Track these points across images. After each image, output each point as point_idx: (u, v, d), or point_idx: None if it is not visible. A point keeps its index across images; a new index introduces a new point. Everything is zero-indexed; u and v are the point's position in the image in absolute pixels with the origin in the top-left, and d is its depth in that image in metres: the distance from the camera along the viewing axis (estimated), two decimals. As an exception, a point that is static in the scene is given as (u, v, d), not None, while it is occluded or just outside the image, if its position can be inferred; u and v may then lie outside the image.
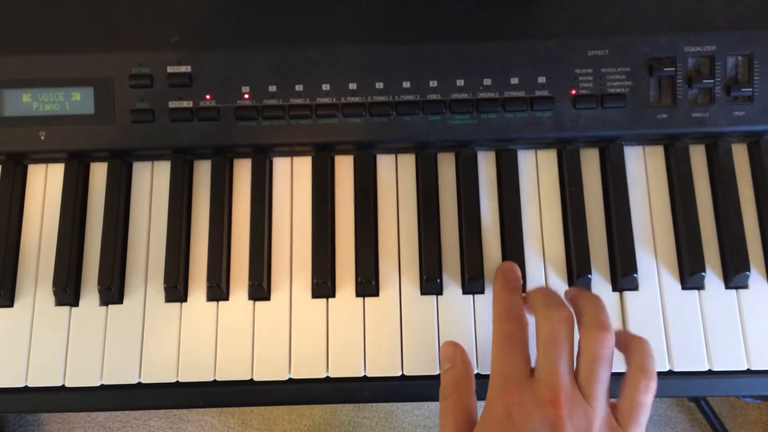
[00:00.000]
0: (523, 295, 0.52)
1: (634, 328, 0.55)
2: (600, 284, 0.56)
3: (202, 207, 0.58)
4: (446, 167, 0.59)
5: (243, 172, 0.59)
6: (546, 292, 0.51)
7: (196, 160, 0.59)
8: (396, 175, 0.59)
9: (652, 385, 0.46)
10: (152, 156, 0.59)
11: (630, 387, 0.46)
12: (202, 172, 0.59)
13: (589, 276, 0.55)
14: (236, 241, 0.57)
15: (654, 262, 0.56)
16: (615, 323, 0.55)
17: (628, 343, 0.48)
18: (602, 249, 0.57)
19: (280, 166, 0.59)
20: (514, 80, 0.56)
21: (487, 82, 0.56)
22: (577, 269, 0.55)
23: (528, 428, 0.43)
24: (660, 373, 0.54)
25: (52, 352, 0.55)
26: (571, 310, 0.49)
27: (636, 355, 0.48)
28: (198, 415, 1.11)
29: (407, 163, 0.59)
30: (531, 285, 0.56)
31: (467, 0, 0.58)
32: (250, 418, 1.11)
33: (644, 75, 0.56)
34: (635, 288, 0.56)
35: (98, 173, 0.59)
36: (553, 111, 0.56)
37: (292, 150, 0.59)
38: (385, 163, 0.59)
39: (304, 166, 0.59)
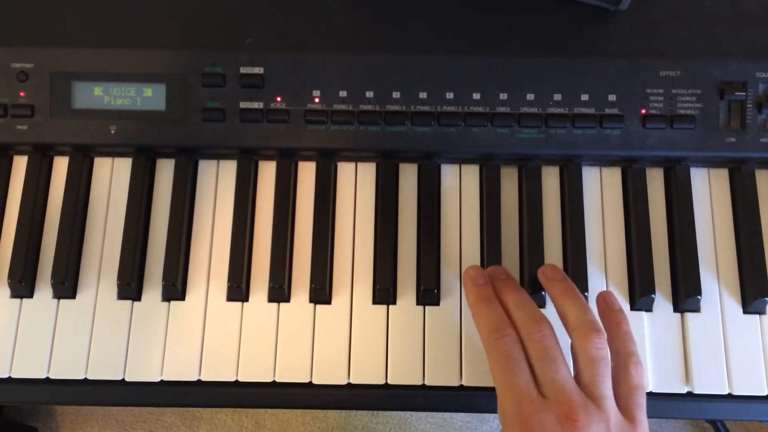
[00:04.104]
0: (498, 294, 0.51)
1: (694, 349, 0.55)
2: (661, 304, 0.56)
3: (266, 208, 0.58)
4: (508, 180, 0.59)
5: (307, 175, 0.59)
6: (520, 302, 0.49)
7: (260, 160, 0.59)
8: (459, 185, 0.59)
9: (641, 366, 0.47)
10: (219, 155, 0.59)
11: (622, 374, 0.47)
12: (266, 173, 0.59)
13: (653, 296, 0.55)
14: (298, 243, 0.58)
15: (716, 285, 0.56)
16: (675, 344, 0.55)
17: (606, 328, 0.49)
18: (664, 269, 0.57)
19: (345, 170, 0.59)
20: (585, 97, 0.56)
21: (557, 97, 0.57)
22: (640, 288, 0.55)
23: None
24: (719, 396, 0.55)
25: (112, 345, 0.55)
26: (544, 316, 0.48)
27: (617, 342, 0.48)
28: (212, 412, 1.10)
29: (471, 173, 0.59)
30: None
31: (541, 15, 0.58)
32: (264, 418, 1.10)
33: (715, 98, 0.56)
34: (697, 310, 0.56)
35: (165, 169, 0.59)
36: (622, 129, 0.56)
37: (357, 155, 0.59)
38: (448, 173, 0.59)
39: (368, 171, 0.59)
